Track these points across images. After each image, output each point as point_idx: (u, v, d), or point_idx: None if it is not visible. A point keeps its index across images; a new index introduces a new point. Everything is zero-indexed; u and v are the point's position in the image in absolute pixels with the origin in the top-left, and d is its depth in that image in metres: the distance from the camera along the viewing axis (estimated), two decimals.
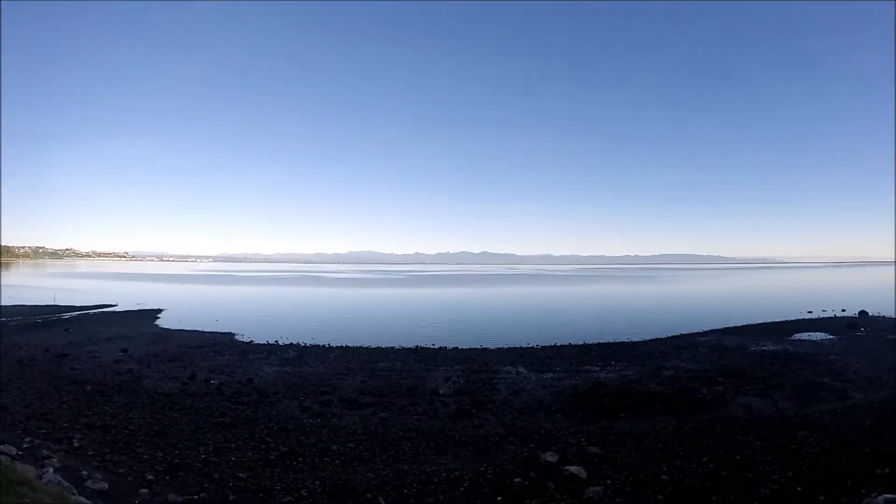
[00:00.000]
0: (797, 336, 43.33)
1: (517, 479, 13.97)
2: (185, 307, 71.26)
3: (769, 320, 54.73)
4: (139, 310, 64.78)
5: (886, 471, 13.73)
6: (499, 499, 12.99)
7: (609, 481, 13.94)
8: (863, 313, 57.89)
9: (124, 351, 34.66)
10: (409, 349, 37.44)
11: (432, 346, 38.62)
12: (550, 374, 29.12)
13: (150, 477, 13.79)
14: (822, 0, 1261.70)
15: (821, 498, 12.54)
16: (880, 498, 11.21)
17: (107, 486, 12.69)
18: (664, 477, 14.20)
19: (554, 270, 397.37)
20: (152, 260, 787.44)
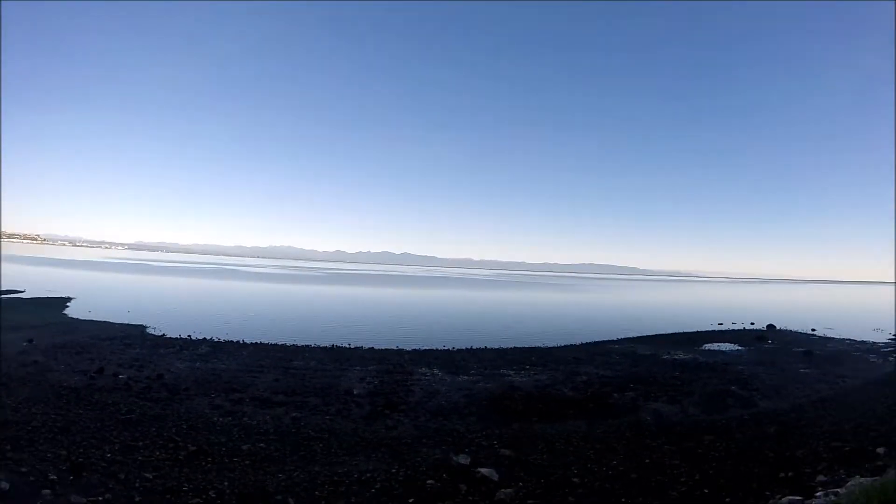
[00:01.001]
0: (707, 346, 44.76)
1: (429, 481, 13.93)
2: (96, 296, 68.74)
3: (681, 330, 56.46)
4: (48, 297, 62.03)
5: (790, 474, 14.38)
6: (410, 500, 12.91)
7: (521, 483, 14.05)
8: (770, 326, 60.66)
9: (30, 341, 33.11)
10: (325, 348, 36.98)
11: (348, 346, 38.23)
12: (465, 377, 29.19)
13: (53, 476, 13.15)
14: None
15: (727, 500, 12.98)
16: (784, 500, 11.63)
17: (8, 486, 12.05)
18: (575, 479, 14.41)
19: (473, 275, 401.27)
20: (65, 244, 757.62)
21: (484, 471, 14.33)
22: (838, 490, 11.35)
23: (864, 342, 49.76)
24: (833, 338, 52.81)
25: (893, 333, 58.96)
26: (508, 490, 13.32)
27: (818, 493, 11.71)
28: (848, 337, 53.51)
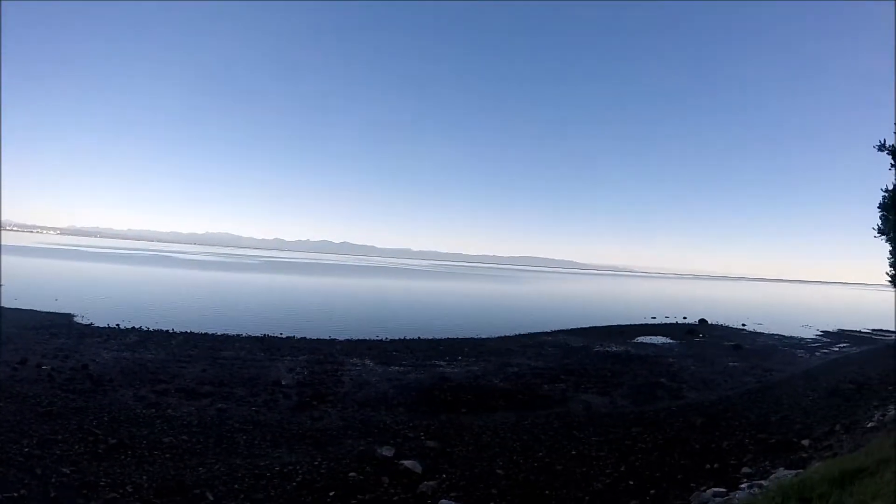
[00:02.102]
0: (640, 339, 45.55)
1: (352, 474, 13.76)
2: (22, 284, 66.17)
3: (615, 323, 57.43)
4: None
5: (715, 465, 14.62)
6: (331, 494, 12.70)
7: (444, 475, 13.99)
8: (702, 321, 62.33)
9: None
10: (256, 338, 36.52)
11: (280, 336, 37.84)
12: (397, 368, 29.10)
13: None
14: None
15: (651, 491, 13.07)
16: (709, 491, 11.85)
17: None
18: (499, 471, 14.40)
19: (411, 265, 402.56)
20: None
21: (407, 463, 14.24)
22: (762, 482, 11.59)
23: (792, 337, 51.71)
24: (762, 333, 54.70)
25: (820, 329, 61.46)
26: (431, 482, 13.25)
27: (742, 485, 11.96)
28: (777, 332, 55.53)
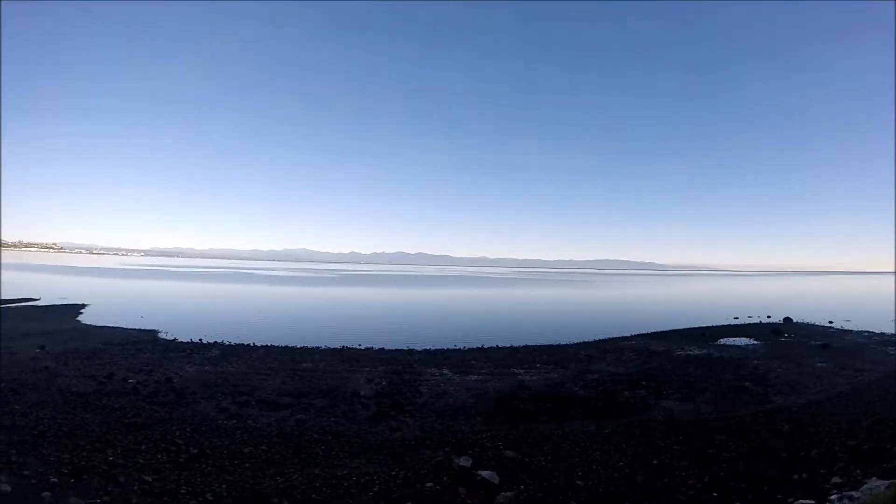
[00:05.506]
0: (722, 341, 44.13)
1: (428, 484, 13.70)
2: (110, 303, 69.20)
3: (696, 325, 55.80)
4: (62, 304, 62.64)
5: (804, 475, 13.83)
6: (408, 503, 12.70)
7: (522, 486, 13.74)
8: (787, 320, 59.82)
9: (42, 348, 33.17)
10: (335, 349, 36.74)
11: (358, 347, 38.05)
12: (474, 377, 28.86)
13: (54, 479, 13.12)
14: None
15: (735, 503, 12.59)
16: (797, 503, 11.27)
17: (9, 488, 12.13)
18: (578, 482, 14.04)
19: (488, 273, 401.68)
20: (81, 252, 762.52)
21: (485, 473, 14.03)
22: (853, 493, 10.94)
23: (882, 334, 48.57)
24: (851, 330, 51.82)
25: None
26: (509, 493, 13.02)
27: (832, 496, 11.29)
28: (866, 329, 52.38)
